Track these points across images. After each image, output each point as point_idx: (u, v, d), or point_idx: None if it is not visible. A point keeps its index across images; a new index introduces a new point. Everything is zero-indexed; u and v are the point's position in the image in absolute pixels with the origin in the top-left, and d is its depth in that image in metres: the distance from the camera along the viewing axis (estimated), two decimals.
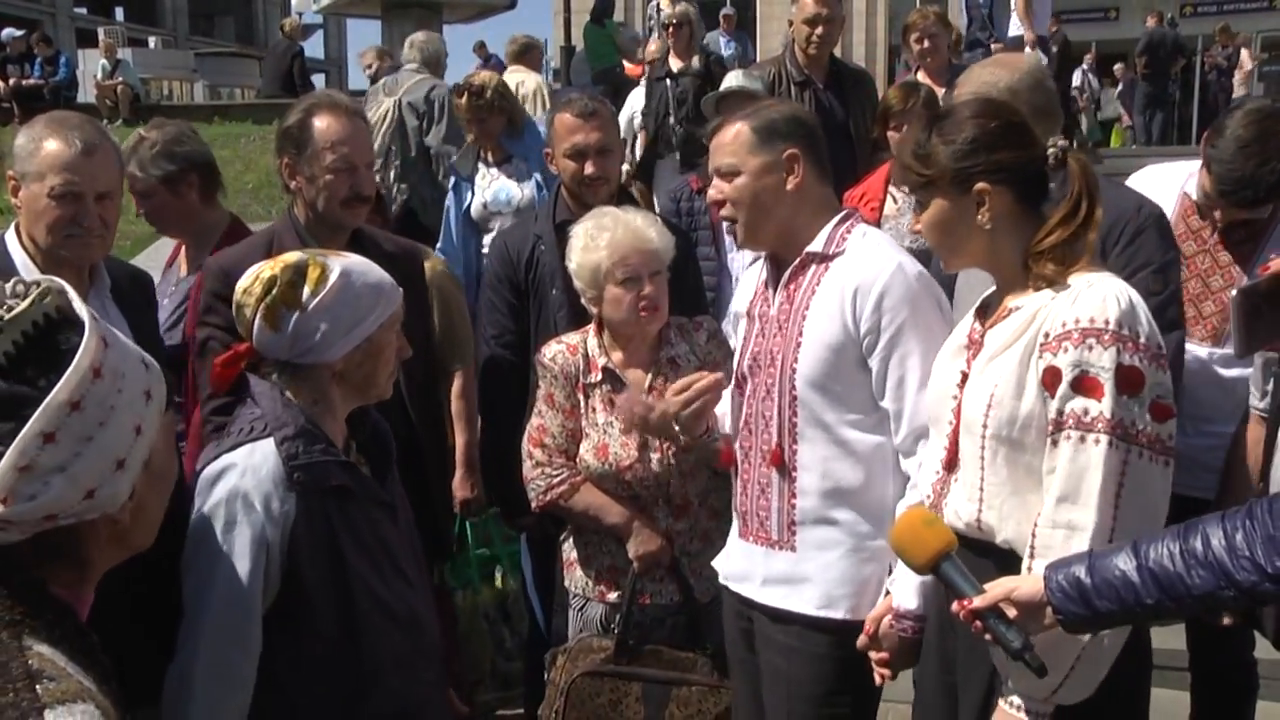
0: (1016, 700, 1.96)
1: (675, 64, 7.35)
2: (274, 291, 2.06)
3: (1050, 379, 1.93)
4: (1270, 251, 2.90)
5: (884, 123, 4.24)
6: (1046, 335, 1.95)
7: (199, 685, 1.95)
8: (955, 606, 1.87)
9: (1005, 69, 2.85)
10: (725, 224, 2.56)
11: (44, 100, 14.79)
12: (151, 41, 27.34)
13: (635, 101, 8.03)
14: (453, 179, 5.49)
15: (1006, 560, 2.00)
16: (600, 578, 2.88)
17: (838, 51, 7.28)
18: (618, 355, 2.86)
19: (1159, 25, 17.57)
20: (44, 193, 2.50)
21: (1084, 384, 1.90)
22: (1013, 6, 9.03)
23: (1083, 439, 1.90)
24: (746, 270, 2.68)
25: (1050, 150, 2.10)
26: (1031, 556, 1.93)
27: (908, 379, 2.33)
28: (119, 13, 37.82)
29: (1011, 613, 1.79)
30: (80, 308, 1.30)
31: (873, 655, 2.33)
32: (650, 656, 2.75)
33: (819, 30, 4.90)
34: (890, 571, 2.34)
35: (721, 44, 12.79)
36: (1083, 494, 1.89)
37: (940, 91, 5.77)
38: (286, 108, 3.18)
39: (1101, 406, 1.89)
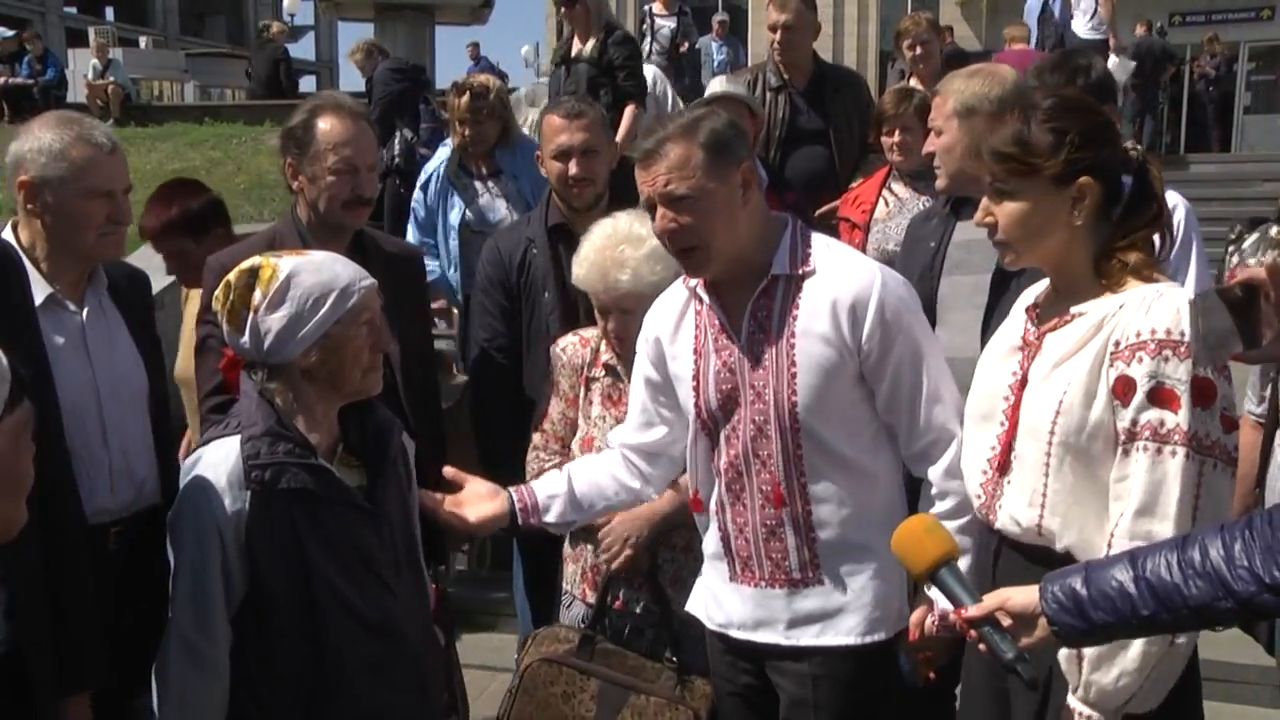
0: (1086, 710, 1.95)
1: (576, 47, 6.37)
2: (232, 294, 2.13)
3: (1123, 388, 1.94)
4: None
5: (878, 128, 4.29)
6: (1117, 344, 1.95)
7: (172, 668, 2.09)
8: (952, 616, 1.87)
9: (996, 81, 2.86)
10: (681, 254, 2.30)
11: (33, 100, 14.76)
12: (142, 41, 27.25)
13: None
14: (428, 177, 5.21)
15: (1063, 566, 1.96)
16: (584, 576, 2.90)
17: (828, 57, 7.29)
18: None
19: (1148, 34, 17.69)
20: (83, 196, 2.54)
21: (1161, 395, 1.91)
22: (1091, 11, 9.07)
23: (1159, 451, 1.91)
24: (658, 301, 2.52)
25: (1131, 153, 2.10)
26: None
27: (915, 386, 2.28)
28: (109, 12, 37.68)
29: (1006, 622, 1.79)
30: None
31: (919, 656, 2.34)
32: (614, 658, 2.72)
33: (779, 36, 4.98)
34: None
35: (714, 49, 12.88)
36: (1161, 506, 1.90)
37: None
38: (278, 109, 3.20)
39: (1178, 419, 1.89)
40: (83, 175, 2.54)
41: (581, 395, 2.93)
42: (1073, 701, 1.97)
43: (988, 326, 2.66)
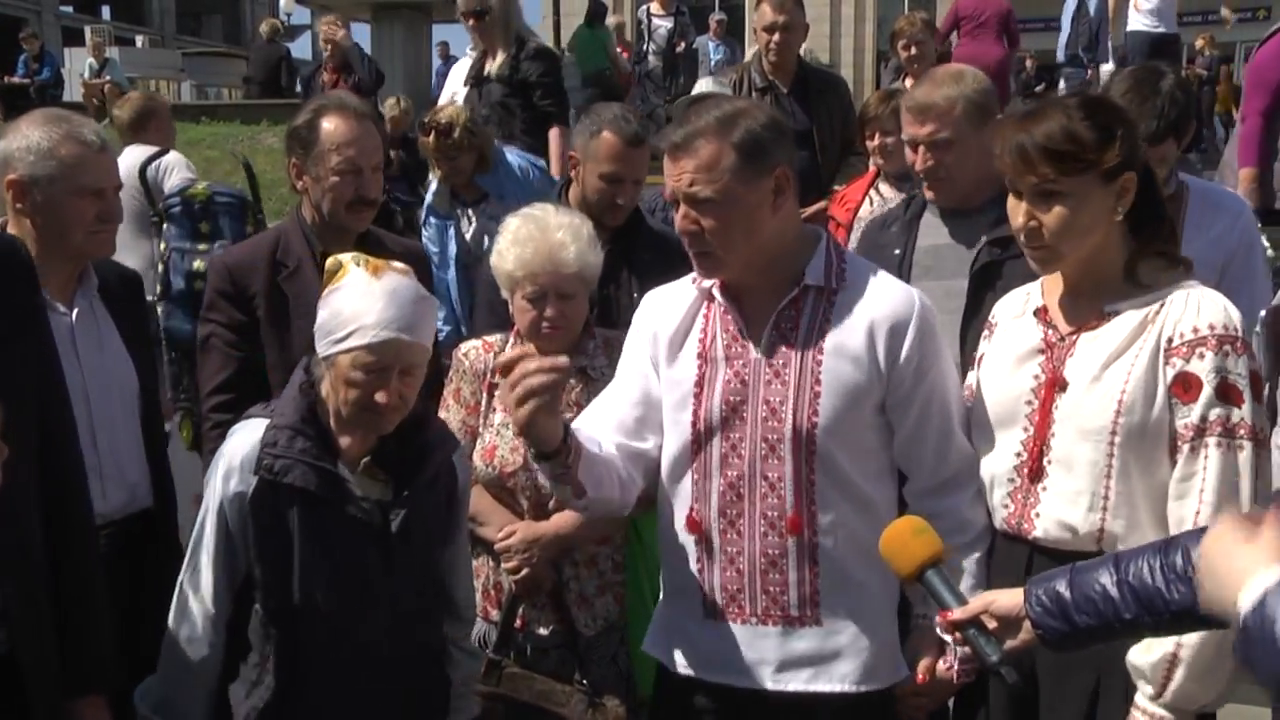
0: (1161, 713, 1.94)
1: (489, 64, 5.67)
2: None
3: (1183, 385, 1.94)
4: (1185, 225, 2.94)
5: (863, 130, 4.31)
6: (1170, 341, 1.96)
7: (173, 608, 2.22)
8: (937, 618, 1.86)
9: (975, 80, 2.82)
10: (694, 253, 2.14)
11: (29, 99, 14.74)
12: (138, 41, 27.22)
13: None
14: (426, 215, 5.00)
15: None
16: (485, 593, 2.74)
17: (826, 57, 7.25)
18: None
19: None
20: (73, 195, 2.51)
21: (1227, 391, 1.92)
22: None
23: (1229, 445, 1.92)
24: (657, 291, 2.34)
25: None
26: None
27: (947, 414, 2.17)
28: (106, 11, 37.60)
29: (991, 625, 1.79)
30: None
31: (916, 700, 2.21)
32: (522, 681, 2.60)
33: (776, 37, 4.98)
34: (907, 611, 2.22)
35: (711, 49, 12.89)
36: (1237, 500, 1.91)
37: None
38: (275, 109, 3.21)
39: (1243, 413, 1.92)
40: (72, 174, 2.51)
41: (484, 402, 2.77)
42: (1146, 704, 1.95)
43: (965, 333, 2.64)
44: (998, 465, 2.13)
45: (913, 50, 5.89)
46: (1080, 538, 2.02)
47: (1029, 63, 15.77)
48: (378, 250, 3.06)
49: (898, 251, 2.89)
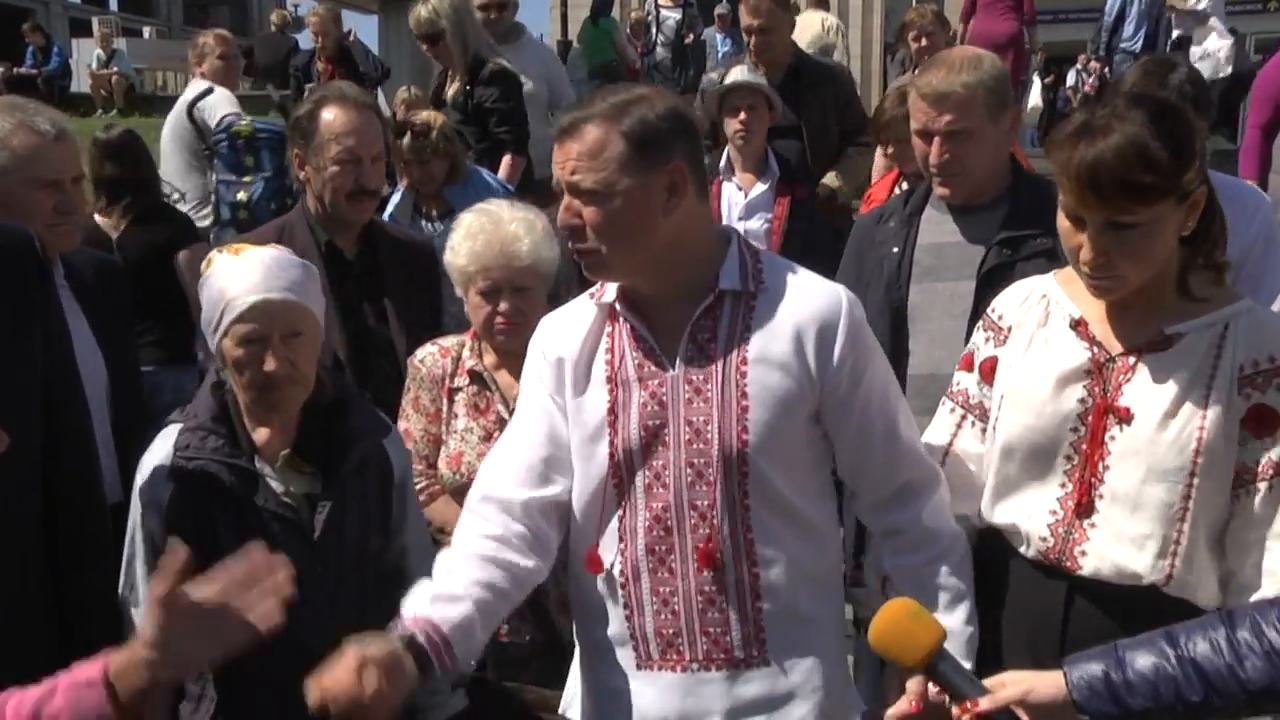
0: None
1: (448, 88, 5.43)
2: None
3: (1257, 420, 1.79)
4: None
5: (877, 132, 4.26)
6: (1242, 369, 1.81)
7: (121, 623, 2.16)
8: (956, 711, 1.63)
9: (993, 65, 2.67)
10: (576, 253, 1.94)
11: (37, 90, 14.77)
12: (146, 32, 27.20)
13: None
14: None
15: (1172, 607, 1.81)
16: None
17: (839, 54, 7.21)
18: (490, 358, 2.69)
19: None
20: (27, 186, 2.45)
21: None
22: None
23: None
24: (552, 317, 2.11)
25: None
26: None
27: (892, 416, 1.97)
28: (113, 2, 37.61)
29: (1024, 716, 1.59)
30: None
31: None
32: (503, 699, 2.43)
33: (755, 39, 5.00)
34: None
35: (718, 40, 12.83)
36: None
37: None
38: (281, 100, 3.18)
39: None
40: (26, 164, 2.45)
41: (445, 408, 2.68)
42: None
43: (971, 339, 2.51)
44: (1036, 495, 1.93)
45: (923, 42, 5.91)
46: (1140, 580, 1.84)
47: (1039, 54, 15.69)
48: (382, 239, 3.06)
49: (896, 249, 2.74)
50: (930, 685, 1.83)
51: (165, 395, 3.91)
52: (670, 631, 1.94)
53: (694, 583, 1.92)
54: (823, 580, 1.99)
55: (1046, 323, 1.98)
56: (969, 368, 2.10)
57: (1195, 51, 8.67)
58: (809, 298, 1.93)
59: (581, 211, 1.86)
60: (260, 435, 2.11)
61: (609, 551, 1.97)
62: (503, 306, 2.56)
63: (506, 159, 5.14)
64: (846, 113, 5.11)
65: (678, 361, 1.92)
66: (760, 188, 4.37)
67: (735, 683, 1.94)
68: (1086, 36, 21.31)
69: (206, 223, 5.26)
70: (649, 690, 1.96)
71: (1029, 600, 1.95)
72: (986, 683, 1.60)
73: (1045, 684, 1.58)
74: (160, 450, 2.11)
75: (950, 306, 2.55)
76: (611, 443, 1.94)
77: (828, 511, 2.01)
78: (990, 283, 2.52)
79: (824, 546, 1.98)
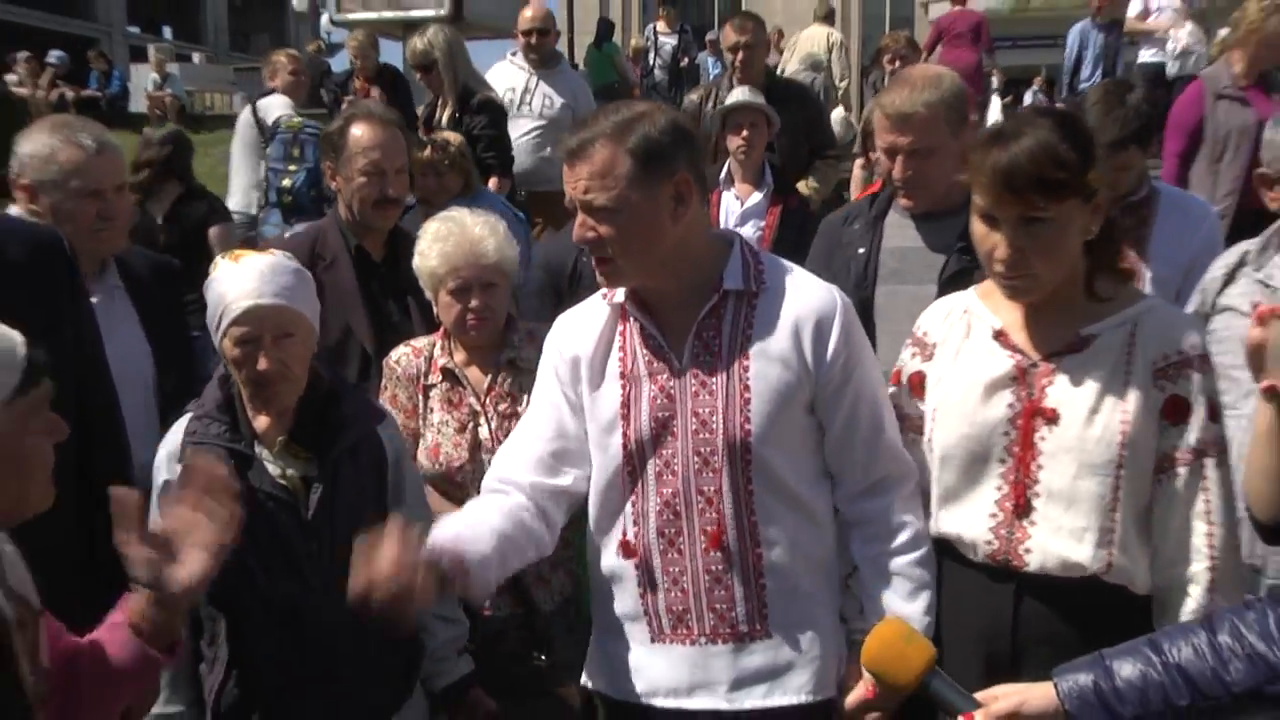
0: None
1: (439, 114, 5.29)
2: None
3: (1173, 409, 1.76)
4: (1156, 227, 2.96)
5: (865, 147, 4.24)
6: (1154, 364, 1.77)
7: None
8: None
9: (952, 82, 2.61)
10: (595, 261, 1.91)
11: (99, 110, 14.81)
12: (195, 57, 27.14)
13: None
14: None
15: (1113, 594, 1.79)
16: None
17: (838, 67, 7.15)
18: (460, 356, 2.63)
19: None
20: (73, 197, 2.48)
21: (1215, 410, 1.78)
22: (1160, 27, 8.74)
23: (1222, 463, 1.77)
24: (568, 315, 2.07)
25: None
26: (1212, 590, 1.73)
27: (876, 413, 1.93)
28: (167, 31, 37.74)
29: None
30: None
31: (870, 716, 1.91)
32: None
33: (740, 55, 4.98)
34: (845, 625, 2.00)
35: (709, 64, 12.84)
36: (1235, 515, 1.76)
37: None
38: (314, 118, 3.19)
39: (1220, 428, 1.79)
40: (71, 177, 2.48)
41: (420, 404, 2.63)
42: None
43: (899, 357, 2.43)
44: (977, 499, 1.87)
45: (897, 64, 5.95)
46: (1082, 571, 1.80)
47: (996, 75, 15.65)
48: (406, 246, 3.04)
49: (862, 250, 2.69)
50: None
51: (212, 356, 3.95)
52: (680, 608, 1.93)
53: (701, 563, 1.90)
54: (820, 561, 1.95)
55: (969, 335, 1.93)
56: (897, 383, 2.06)
57: (1170, 49, 8.54)
58: (807, 296, 1.90)
59: (596, 228, 1.83)
60: (260, 423, 2.10)
61: (627, 534, 1.95)
62: (473, 303, 2.53)
63: (493, 181, 5.11)
64: (814, 128, 5.13)
65: (685, 358, 1.90)
66: (756, 197, 4.36)
67: (740, 654, 1.92)
68: (1041, 61, 21.32)
69: (255, 211, 5.68)
70: (661, 662, 1.95)
71: (979, 604, 1.88)
72: (979, 696, 1.53)
73: (1037, 696, 1.51)
74: (174, 435, 2.12)
75: (912, 309, 2.43)
76: (624, 434, 1.92)
77: (823, 496, 1.96)
78: (952, 287, 2.43)
79: (821, 529, 1.95)
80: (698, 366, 1.88)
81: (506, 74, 5.89)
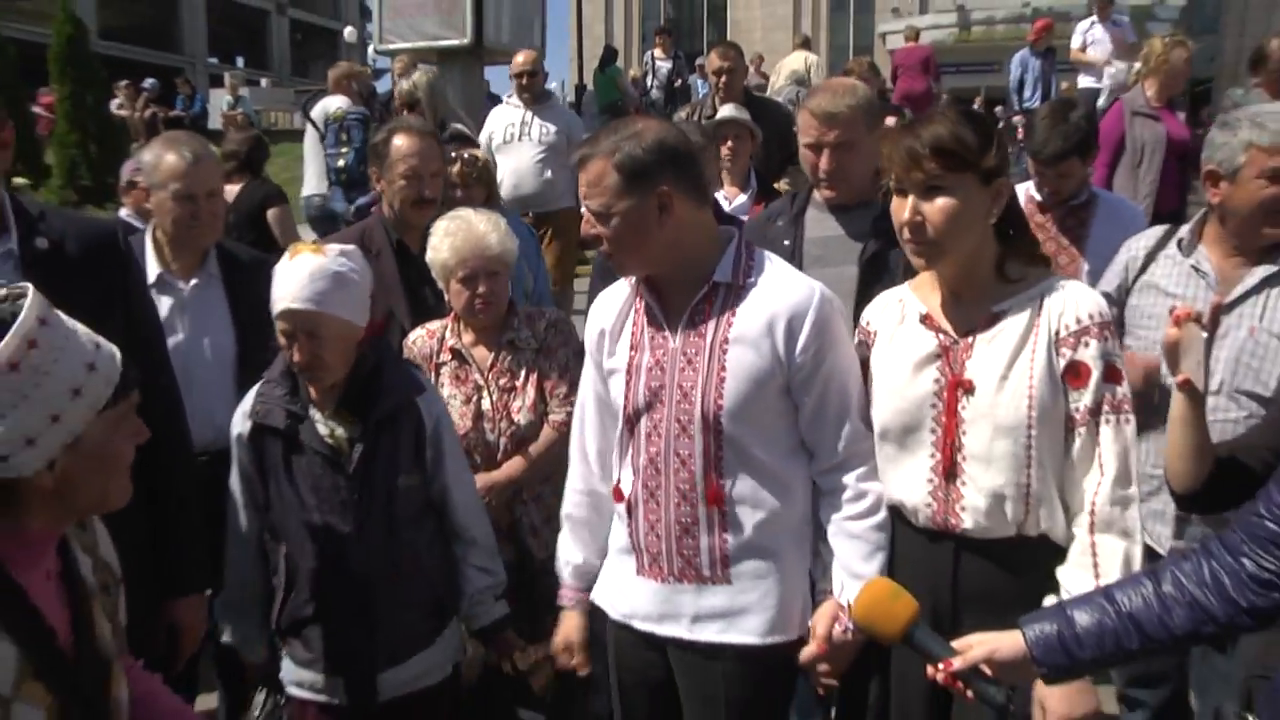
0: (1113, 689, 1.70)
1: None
2: None
3: (1074, 372, 1.69)
4: (1094, 228, 2.96)
5: None
6: (1058, 334, 1.70)
7: (227, 531, 2.20)
8: (931, 671, 1.52)
9: (865, 89, 2.60)
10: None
11: (184, 127, 14.79)
12: (263, 82, 27.12)
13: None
14: None
15: (1037, 548, 1.73)
16: None
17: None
18: (469, 337, 2.60)
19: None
20: (173, 199, 2.54)
21: (1112, 372, 1.70)
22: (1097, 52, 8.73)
23: (1118, 421, 1.70)
24: (603, 295, 2.06)
25: None
26: (1093, 532, 1.68)
27: (843, 402, 1.86)
28: (240, 61, 37.76)
29: (988, 672, 1.48)
30: (28, 308, 1.17)
31: (821, 667, 1.87)
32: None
33: (723, 79, 5.00)
34: (813, 587, 1.91)
35: (699, 86, 12.71)
36: (1130, 469, 1.69)
37: None
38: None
39: (1123, 389, 1.71)
40: (170, 182, 2.54)
41: (433, 380, 2.58)
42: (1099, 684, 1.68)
43: (858, 316, 2.28)
44: (914, 468, 1.80)
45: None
46: (1009, 527, 1.74)
47: (944, 96, 15.53)
48: None
49: (787, 243, 2.59)
50: (834, 627, 1.83)
51: None
52: (655, 550, 1.92)
53: (674, 515, 1.88)
54: (785, 522, 1.88)
55: (903, 321, 1.87)
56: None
57: (1105, 83, 8.57)
58: (785, 293, 1.84)
59: (595, 225, 1.84)
60: (314, 391, 2.10)
61: (625, 484, 1.96)
62: (480, 289, 2.50)
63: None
64: (786, 137, 5.04)
65: (678, 337, 1.87)
66: (741, 198, 4.32)
67: (701, 595, 1.90)
68: (979, 84, 21.14)
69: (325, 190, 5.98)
70: (642, 591, 1.96)
71: (922, 564, 1.81)
72: (955, 644, 1.50)
73: (1007, 643, 1.47)
74: (248, 397, 2.15)
75: (837, 287, 2.41)
76: (626, 395, 1.91)
77: (798, 469, 1.89)
78: (872, 267, 2.43)
79: (790, 495, 1.88)
80: (686, 345, 1.86)
81: (505, 113, 5.92)
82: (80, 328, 1.23)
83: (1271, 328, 2.15)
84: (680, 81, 12.77)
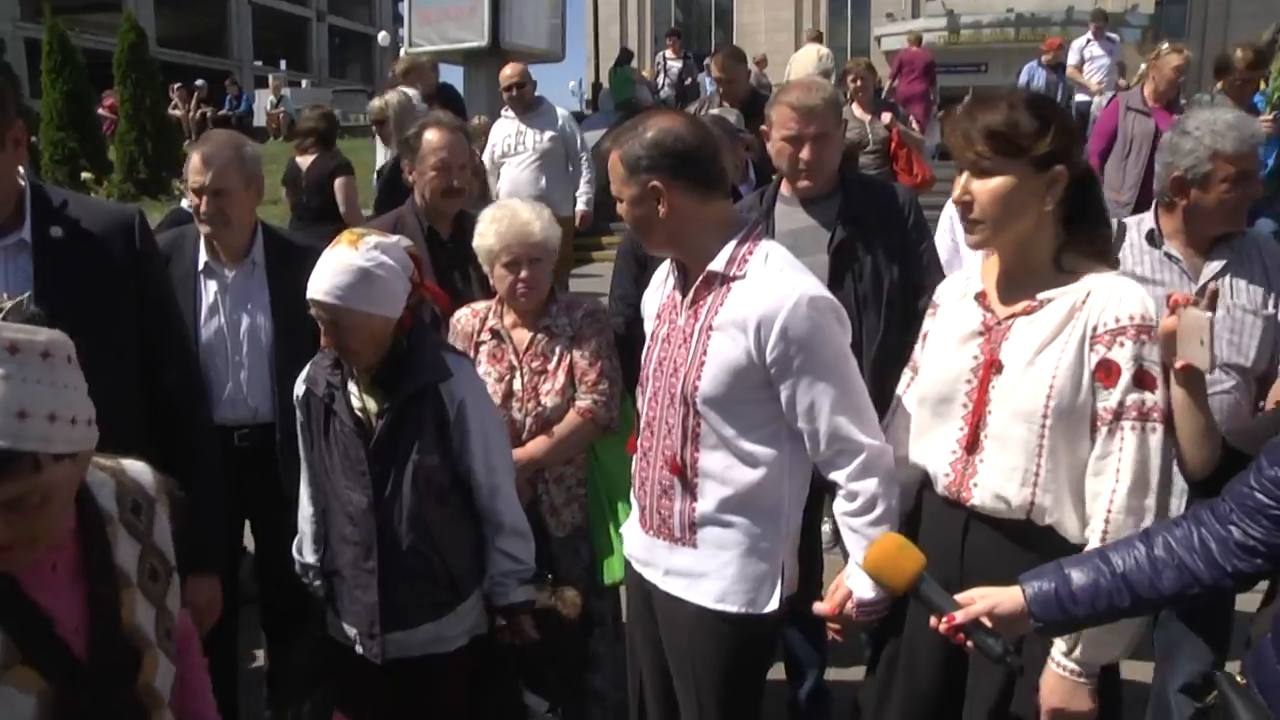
0: (1074, 667, 1.59)
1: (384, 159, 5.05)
2: None
3: (1105, 371, 1.57)
4: None
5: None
6: (1095, 330, 1.57)
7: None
8: (934, 621, 1.48)
9: (832, 86, 2.59)
10: None
11: (231, 125, 14.80)
12: (303, 83, 27.02)
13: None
14: None
15: (1044, 538, 1.62)
16: None
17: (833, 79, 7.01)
18: (510, 319, 2.53)
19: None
20: (196, 192, 2.51)
21: (1144, 378, 1.56)
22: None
23: (1143, 429, 1.55)
24: (662, 266, 2.04)
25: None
26: (1104, 540, 1.55)
27: (819, 401, 1.74)
28: (283, 64, 37.69)
29: (988, 624, 1.44)
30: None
31: (831, 625, 1.85)
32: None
33: (721, 88, 5.07)
34: (783, 571, 1.85)
35: (708, 84, 12.55)
36: (1149, 480, 1.55)
37: (867, 118, 5.74)
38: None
39: (1156, 398, 1.56)
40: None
41: (472, 356, 2.51)
42: (1060, 658, 1.60)
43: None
44: (941, 437, 1.72)
45: (858, 83, 5.88)
46: (1013, 509, 1.64)
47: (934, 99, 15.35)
48: (470, 225, 2.92)
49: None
50: (850, 606, 1.79)
51: None
52: (644, 504, 1.95)
53: (656, 476, 1.90)
54: (756, 501, 1.81)
55: (964, 296, 1.77)
56: (921, 342, 1.89)
57: (1097, 101, 8.44)
58: (764, 294, 1.73)
59: (620, 205, 1.86)
60: (354, 365, 2.07)
61: (637, 436, 2.00)
62: (523, 274, 2.43)
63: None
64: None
65: (682, 315, 1.85)
66: (742, 189, 4.24)
67: (672, 553, 1.90)
68: (968, 83, 20.75)
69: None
70: (638, 537, 2.00)
71: (936, 531, 1.73)
72: (958, 598, 1.46)
73: (1007, 598, 1.43)
74: (307, 367, 2.17)
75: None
76: (645, 360, 1.94)
77: (774, 452, 1.80)
78: (840, 254, 2.39)
79: (763, 475, 1.80)
80: (684, 326, 1.84)
81: (503, 126, 5.87)
82: None
83: (1242, 303, 2.21)
84: (690, 80, 12.65)
